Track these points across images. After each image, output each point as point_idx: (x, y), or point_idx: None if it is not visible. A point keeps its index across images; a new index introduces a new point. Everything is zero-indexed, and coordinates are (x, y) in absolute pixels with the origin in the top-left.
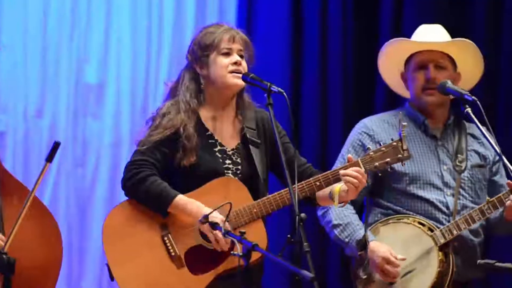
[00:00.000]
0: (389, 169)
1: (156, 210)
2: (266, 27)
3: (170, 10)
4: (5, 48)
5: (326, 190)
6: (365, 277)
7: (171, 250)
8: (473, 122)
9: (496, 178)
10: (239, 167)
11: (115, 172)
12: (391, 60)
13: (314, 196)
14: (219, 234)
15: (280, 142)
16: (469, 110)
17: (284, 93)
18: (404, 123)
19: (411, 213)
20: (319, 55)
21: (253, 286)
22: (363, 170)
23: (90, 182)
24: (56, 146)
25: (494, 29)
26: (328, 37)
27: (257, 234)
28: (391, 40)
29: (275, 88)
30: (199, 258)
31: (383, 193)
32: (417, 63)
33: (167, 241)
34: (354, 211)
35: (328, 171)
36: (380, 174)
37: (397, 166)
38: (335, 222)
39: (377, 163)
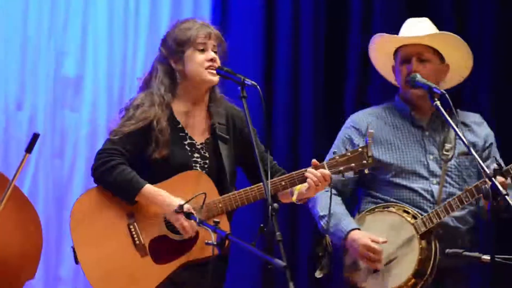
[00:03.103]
0: (366, 171)
1: (124, 198)
2: (240, 22)
3: (146, 5)
4: None
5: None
6: (320, 276)
7: (136, 239)
8: (442, 114)
9: (486, 164)
10: (207, 161)
11: (92, 163)
12: (381, 54)
13: (278, 191)
14: (184, 223)
15: (251, 134)
16: (437, 102)
17: (258, 86)
18: (371, 130)
19: (398, 202)
20: (291, 49)
21: (215, 277)
22: (328, 173)
23: (68, 172)
24: (35, 137)
25: (461, 25)
26: (300, 33)
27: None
28: (375, 36)
29: (248, 81)
30: (163, 248)
31: (371, 184)
32: (402, 57)
33: (132, 230)
34: (340, 202)
35: (293, 172)
36: (366, 172)
37: (383, 158)
38: (321, 213)
39: (341, 168)
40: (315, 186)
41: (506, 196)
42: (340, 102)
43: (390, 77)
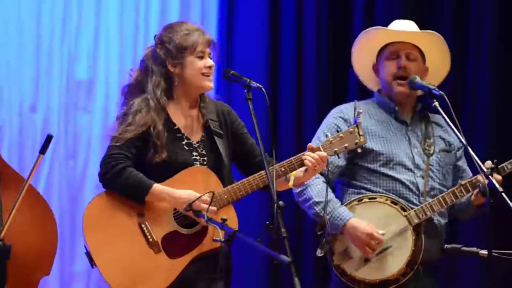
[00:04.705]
0: (358, 150)
1: (135, 199)
2: (246, 27)
3: (155, 11)
4: (1, 46)
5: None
6: (321, 255)
7: (149, 236)
8: (441, 115)
9: (459, 163)
10: (205, 158)
11: None
12: (365, 50)
13: (278, 177)
14: (202, 205)
15: (240, 131)
16: (436, 104)
17: (263, 89)
18: (360, 110)
19: (383, 192)
20: (295, 52)
21: (219, 269)
22: (324, 154)
23: (81, 172)
24: (49, 139)
25: (460, 24)
26: (304, 35)
27: (229, 218)
28: (367, 29)
29: (254, 83)
30: (175, 243)
31: (355, 174)
32: (390, 53)
33: (144, 228)
34: (330, 190)
35: (292, 157)
36: (359, 151)
37: (374, 147)
38: (316, 199)
39: (336, 148)
40: (313, 168)
41: (503, 193)
42: (342, 103)
43: (366, 78)
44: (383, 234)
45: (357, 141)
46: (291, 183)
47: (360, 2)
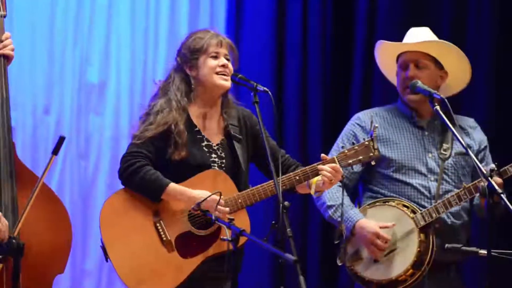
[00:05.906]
0: (372, 163)
1: (151, 197)
2: (252, 31)
3: (165, 16)
4: (15, 50)
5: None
6: (341, 264)
7: (163, 235)
8: (441, 117)
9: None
10: (224, 161)
11: (115, 164)
12: (385, 59)
13: (293, 185)
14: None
15: (264, 136)
16: (437, 107)
17: (269, 92)
18: (376, 125)
19: (397, 196)
20: (300, 57)
21: (231, 268)
22: (338, 166)
23: (92, 172)
24: (61, 140)
25: (460, 24)
26: (309, 41)
27: (242, 222)
28: (377, 42)
29: (261, 87)
30: (188, 243)
31: (372, 179)
32: (401, 63)
33: (159, 227)
34: (346, 194)
35: (307, 167)
36: (373, 163)
37: (387, 154)
38: (329, 203)
39: (350, 160)
40: (329, 181)
41: (502, 195)
42: (346, 105)
43: (394, 80)
44: (394, 225)
45: (371, 154)
46: (312, 191)
47: (363, 3)
